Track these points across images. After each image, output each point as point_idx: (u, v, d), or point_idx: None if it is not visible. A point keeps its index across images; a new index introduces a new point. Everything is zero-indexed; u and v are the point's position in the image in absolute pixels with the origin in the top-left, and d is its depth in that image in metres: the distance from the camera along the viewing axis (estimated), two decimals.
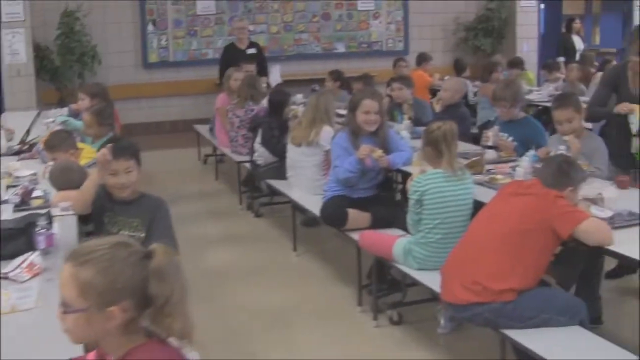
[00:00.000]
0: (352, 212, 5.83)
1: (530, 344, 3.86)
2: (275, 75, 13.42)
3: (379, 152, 5.77)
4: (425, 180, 4.86)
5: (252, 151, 7.95)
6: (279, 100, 7.82)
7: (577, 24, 13.84)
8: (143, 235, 4.17)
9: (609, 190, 4.57)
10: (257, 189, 8.54)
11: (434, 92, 11.27)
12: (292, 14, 14.45)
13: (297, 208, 6.93)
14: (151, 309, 2.16)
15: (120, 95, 13.14)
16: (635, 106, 5.72)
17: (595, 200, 4.54)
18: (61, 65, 12.84)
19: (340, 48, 14.79)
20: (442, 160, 4.88)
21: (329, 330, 5.43)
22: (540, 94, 10.28)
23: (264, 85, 11.14)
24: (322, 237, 7.15)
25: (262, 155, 7.75)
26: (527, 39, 14.97)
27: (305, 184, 6.79)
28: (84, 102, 7.68)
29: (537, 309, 4.01)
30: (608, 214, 4.35)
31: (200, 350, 4.98)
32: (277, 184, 7.35)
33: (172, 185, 10.07)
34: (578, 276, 4.97)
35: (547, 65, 11.73)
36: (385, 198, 6.17)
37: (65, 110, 8.67)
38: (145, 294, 2.14)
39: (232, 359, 4.97)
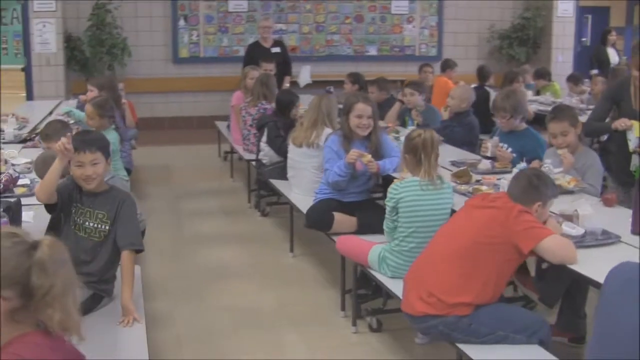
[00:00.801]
0: (339, 216, 5.78)
1: None
2: (305, 75, 13.46)
3: (368, 157, 5.70)
4: (402, 187, 4.79)
5: (258, 150, 7.91)
6: (286, 100, 7.78)
7: (612, 36, 13.55)
8: (108, 227, 4.16)
9: (584, 208, 4.45)
10: (268, 188, 8.50)
11: None
12: (325, 15, 14.42)
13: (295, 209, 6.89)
14: (34, 299, 2.18)
15: (149, 88, 13.37)
16: (634, 122, 5.58)
17: (571, 217, 4.43)
18: (91, 56, 12.96)
19: (372, 51, 14.73)
20: (420, 169, 4.79)
21: (308, 335, 5.38)
22: None
23: (287, 85, 11.19)
24: (322, 239, 7.07)
25: (267, 154, 7.72)
26: (562, 50, 14.77)
27: (305, 185, 6.74)
28: (92, 93, 7.73)
29: (493, 325, 3.93)
30: (580, 231, 4.23)
31: (177, 348, 5.07)
32: (278, 184, 7.31)
33: (189, 180, 10.18)
34: (563, 293, 4.85)
35: (572, 77, 11.53)
36: (375, 204, 6.09)
37: (74, 101, 8.71)
38: (28, 284, 2.17)
39: (203, 359, 4.96)
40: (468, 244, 3.95)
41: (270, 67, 10.16)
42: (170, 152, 12.07)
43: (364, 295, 5.54)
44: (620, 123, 5.64)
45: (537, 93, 11.45)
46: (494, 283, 3.95)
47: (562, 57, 14.67)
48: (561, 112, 5.68)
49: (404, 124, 8.23)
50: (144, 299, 4.41)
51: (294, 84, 12.81)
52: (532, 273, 4.73)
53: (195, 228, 7.96)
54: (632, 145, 5.59)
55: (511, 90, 6.53)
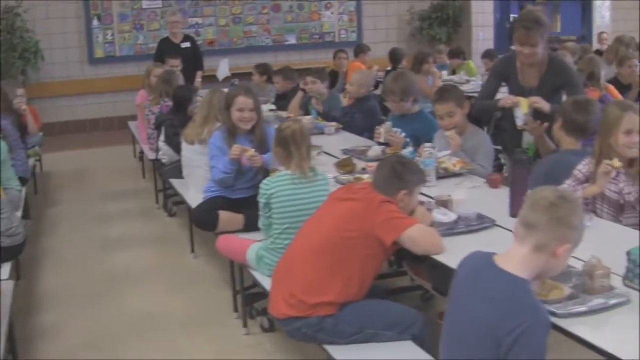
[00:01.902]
0: (224, 215, 5.60)
1: None
2: (224, 68, 13.24)
3: (251, 152, 5.52)
4: (273, 182, 4.62)
5: (157, 149, 7.69)
6: (182, 96, 7.54)
7: None
8: None
9: (458, 192, 4.31)
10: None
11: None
12: (241, 6, 14.22)
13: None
14: None
15: (66, 91, 13.13)
16: (520, 99, 5.46)
17: (446, 202, 4.29)
18: (3, 62, 12.59)
19: (292, 40, 14.58)
20: (291, 162, 4.62)
21: (200, 338, 5.23)
22: (474, 85, 9.94)
23: (199, 80, 10.98)
24: None
25: (165, 153, 7.50)
26: (482, 27, 14.70)
27: (200, 183, 6.49)
28: None
29: (360, 323, 3.76)
30: (452, 217, 4.09)
31: (67, 354, 4.88)
32: (177, 183, 7.09)
33: (103, 183, 9.99)
34: None
35: (487, 53, 11.45)
36: None
37: None
38: None
39: None
40: (327, 240, 3.79)
41: (175, 63, 9.94)
42: (87, 155, 11.83)
43: (254, 294, 5.35)
44: (507, 100, 5.53)
45: (453, 72, 11.35)
46: (359, 279, 3.78)
47: (482, 34, 14.59)
48: (446, 92, 5.55)
49: (307, 113, 8.04)
50: (31, 313, 4.21)
51: (213, 78, 12.59)
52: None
53: (103, 232, 7.79)
54: (519, 122, 5.48)
55: (401, 72, 6.35)
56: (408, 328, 3.80)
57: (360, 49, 11.63)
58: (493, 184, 4.90)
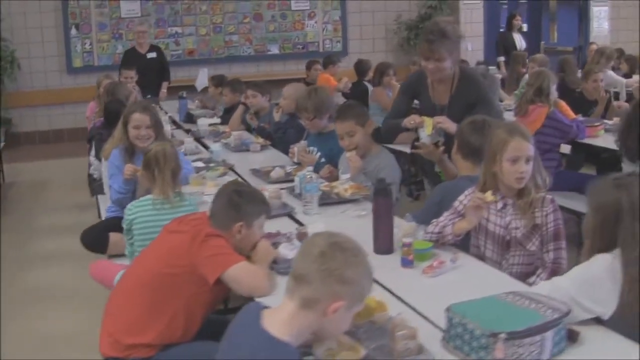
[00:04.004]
0: (115, 237, 5.29)
1: None
2: (203, 78, 12.93)
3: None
4: (135, 207, 4.37)
5: (89, 164, 7.43)
6: (113, 110, 7.24)
7: (517, 21, 13.14)
8: None
9: (315, 225, 3.98)
10: None
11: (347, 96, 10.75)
12: (222, 15, 14.00)
13: None
14: None
15: (45, 101, 13.05)
16: (425, 119, 5.05)
17: (303, 235, 3.95)
18: None
19: (274, 50, 14.32)
20: (155, 186, 4.33)
21: None
22: None
23: (164, 91, 10.73)
24: None
25: (96, 168, 7.22)
26: (471, 38, 14.29)
27: None
28: None
29: None
30: None
31: None
32: (102, 199, 6.77)
33: (58, 195, 9.83)
34: None
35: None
36: None
37: None
38: None
39: None
40: (151, 276, 3.47)
41: (130, 74, 9.70)
42: (57, 165, 11.61)
43: None
44: (410, 120, 5.09)
45: None
46: (184, 320, 3.44)
47: (471, 45, 14.20)
48: (345, 110, 5.20)
49: (248, 129, 7.74)
50: None
51: (186, 88, 12.31)
52: None
53: (40, 247, 7.60)
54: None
55: (314, 88, 6.01)
56: None
57: (329, 60, 11.31)
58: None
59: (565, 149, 6.67)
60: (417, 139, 5.08)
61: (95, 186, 7.28)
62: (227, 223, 3.53)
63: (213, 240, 3.41)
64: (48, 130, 13.51)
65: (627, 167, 5.51)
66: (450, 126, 4.84)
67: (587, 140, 6.80)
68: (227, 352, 2.53)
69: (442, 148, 4.93)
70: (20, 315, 5.80)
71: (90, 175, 7.55)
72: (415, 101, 5.46)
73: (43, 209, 9.05)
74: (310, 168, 4.86)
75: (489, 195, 3.66)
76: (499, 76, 10.96)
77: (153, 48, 11.49)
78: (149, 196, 4.38)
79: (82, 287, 6.24)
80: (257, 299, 3.11)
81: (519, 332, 2.51)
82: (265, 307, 2.54)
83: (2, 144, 10.48)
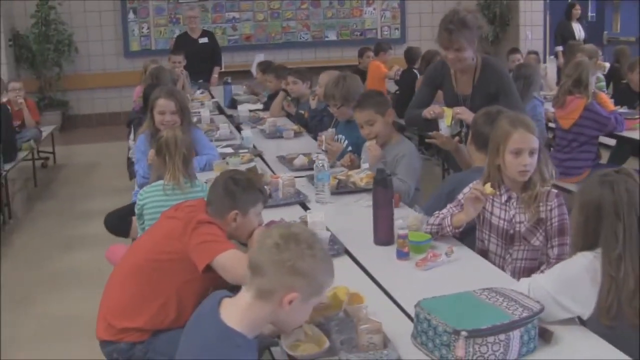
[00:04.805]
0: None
1: None
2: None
3: None
4: (146, 193, 4.41)
5: (128, 148, 7.51)
6: (150, 94, 7.30)
7: (577, 10, 12.86)
8: None
9: (314, 214, 3.95)
10: None
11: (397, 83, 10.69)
12: (280, 1, 14.00)
13: None
14: None
15: (101, 84, 13.24)
16: (445, 109, 4.99)
17: (306, 224, 3.92)
18: (37, 54, 12.75)
19: (332, 36, 14.28)
20: (166, 171, 4.35)
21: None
22: None
23: (215, 76, 10.78)
24: None
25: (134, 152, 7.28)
26: (531, 27, 14.07)
27: None
28: None
29: (171, 353, 3.40)
30: None
31: None
32: None
33: (101, 178, 9.94)
34: None
35: (513, 50, 10.86)
36: None
37: None
38: None
39: None
40: (144, 261, 3.48)
41: (178, 59, 9.80)
42: (106, 148, 11.74)
43: None
44: (430, 111, 5.01)
45: None
46: (176, 306, 3.43)
47: (531, 33, 13.97)
48: (365, 99, 5.11)
49: (290, 116, 7.74)
50: None
51: (239, 74, 12.37)
52: None
53: (75, 230, 7.66)
54: (445, 135, 4.98)
55: (342, 75, 5.94)
56: None
57: (380, 48, 11.21)
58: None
59: (609, 141, 6.51)
60: (435, 128, 5.01)
61: (132, 170, 7.35)
62: (223, 211, 3.52)
63: (205, 227, 3.40)
64: (105, 113, 13.69)
65: None
66: (469, 117, 4.74)
67: (626, 133, 6.64)
68: (185, 341, 2.53)
69: (457, 138, 4.86)
70: (40, 299, 5.89)
71: (129, 159, 7.62)
72: None
73: (88, 192, 9.18)
74: (323, 157, 4.80)
75: (487, 188, 3.58)
76: (546, 65, 10.71)
77: (205, 33, 11.52)
78: (160, 181, 4.41)
79: (106, 270, 6.36)
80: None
81: (482, 330, 2.45)
82: (227, 296, 2.53)
83: (54, 126, 10.68)
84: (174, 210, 3.64)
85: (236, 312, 2.41)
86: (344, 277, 2.95)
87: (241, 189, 3.56)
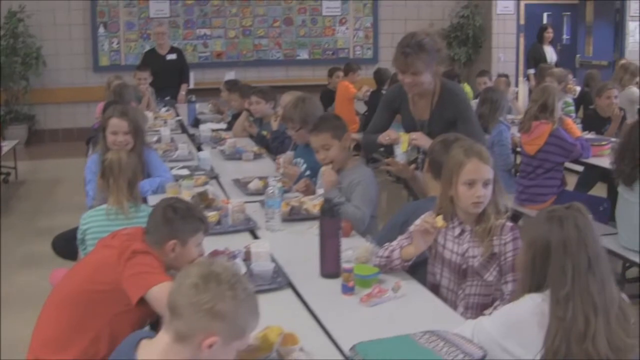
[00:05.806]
0: None
1: None
2: None
3: None
4: (89, 217, 4.23)
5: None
6: None
7: (548, 34, 12.82)
8: None
9: (258, 244, 3.79)
10: None
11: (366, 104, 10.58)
12: (252, 19, 13.87)
13: None
14: None
15: (69, 98, 13.05)
16: (401, 135, 4.82)
17: (248, 255, 3.78)
18: (5, 66, 12.56)
19: (304, 55, 14.14)
20: (109, 195, 4.18)
21: None
22: None
23: (183, 92, 10.65)
24: None
25: None
26: (504, 49, 14.02)
27: None
28: None
29: None
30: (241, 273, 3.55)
31: None
32: None
33: (63, 195, 9.77)
34: None
35: (482, 73, 10.79)
36: None
37: None
38: None
39: None
40: (76, 292, 3.31)
41: (144, 76, 9.60)
42: (71, 164, 11.50)
43: None
44: (385, 136, 4.84)
45: None
46: (108, 339, 3.25)
47: (503, 56, 13.93)
48: (321, 122, 4.95)
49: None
50: None
51: (205, 92, 12.22)
52: None
53: (30, 249, 7.46)
54: (400, 161, 4.82)
55: (302, 97, 5.79)
56: None
57: (349, 68, 11.10)
58: (342, 233, 4.29)
59: (577, 167, 6.40)
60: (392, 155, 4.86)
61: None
62: (161, 240, 3.36)
63: (139, 257, 3.24)
64: (72, 128, 13.46)
65: (622, 191, 5.26)
66: (426, 143, 4.58)
67: (593, 160, 6.53)
68: None
69: (413, 165, 4.72)
70: None
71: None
72: None
73: (48, 209, 8.98)
74: (275, 182, 4.65)
75: (439, 220, 3.44)
76: (517, 89, 10.64)
77: (174, 50, 11.35)
78: (103, 205, 4.24)
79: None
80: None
81: None
82: (147, 337, 2.37)
83: (17, 141, 10.50)
84: (110, 238, 3.47)
85: (154, 356, 2.25)
86: (284, 312, 2.84)
87: (180, 218, 3.40)
